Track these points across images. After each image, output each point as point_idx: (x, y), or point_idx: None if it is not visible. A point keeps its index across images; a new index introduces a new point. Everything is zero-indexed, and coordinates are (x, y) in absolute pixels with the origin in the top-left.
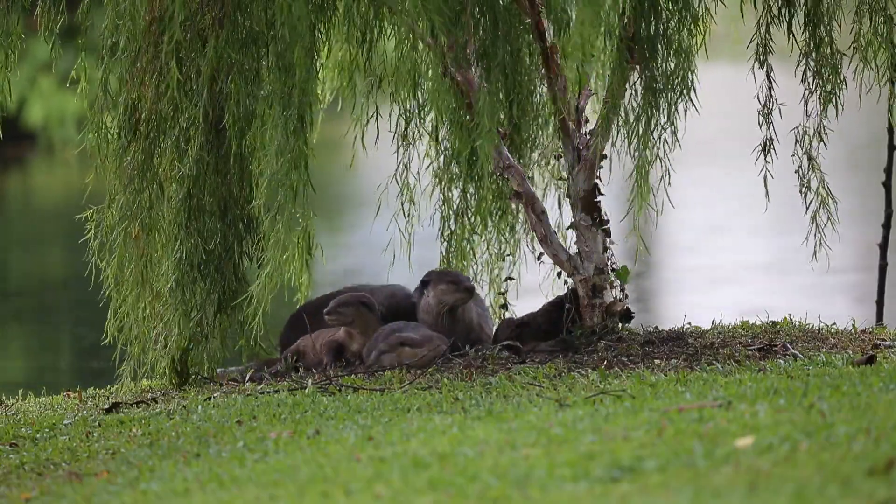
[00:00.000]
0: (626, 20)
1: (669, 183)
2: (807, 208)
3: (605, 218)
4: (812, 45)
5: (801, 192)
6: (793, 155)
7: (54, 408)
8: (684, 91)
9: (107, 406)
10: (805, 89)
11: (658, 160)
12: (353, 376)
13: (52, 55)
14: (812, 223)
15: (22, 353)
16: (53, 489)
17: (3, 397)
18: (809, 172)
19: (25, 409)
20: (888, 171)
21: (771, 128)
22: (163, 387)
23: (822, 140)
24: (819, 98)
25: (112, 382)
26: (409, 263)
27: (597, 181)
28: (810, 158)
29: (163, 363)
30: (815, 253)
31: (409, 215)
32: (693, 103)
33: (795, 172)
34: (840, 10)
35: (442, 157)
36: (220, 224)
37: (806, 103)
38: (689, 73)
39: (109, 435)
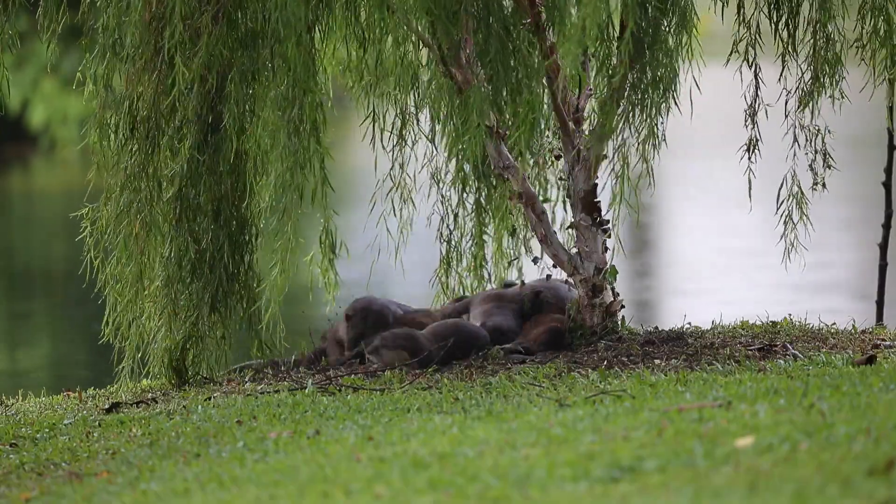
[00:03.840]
0: (619, 18)
1: (652, 185)
2: (777, 207)
3: (605, 218)
4: (795, 43)
5: (779, 194)
6: (793, 151)
7: (54, 408)
8: (671, 91)
9: (107, 406)
10: (783, 88)
11: (645, 160)
12: (352, 376)
13: (50, 55)
14: (785, 224)
15: (29, 351)
16: (53, 489)
17: (3, 397)
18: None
19: (25, 409)
20: (888, 170)
21: (756, 127)
22: (163, 387)
23: (796, 139)
24: (799, 98)
25: (111, 381)
26: (400, 264)
27: (596, 181)
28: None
29: (160, 363)
30: (787, 252)
31: (399, 216)
32: (687, 101)
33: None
34: (844, 8)
35: (441, 156)
36: (214, 224)
37: (785, 103)
38: (673, 74)
39: (109, 435)
